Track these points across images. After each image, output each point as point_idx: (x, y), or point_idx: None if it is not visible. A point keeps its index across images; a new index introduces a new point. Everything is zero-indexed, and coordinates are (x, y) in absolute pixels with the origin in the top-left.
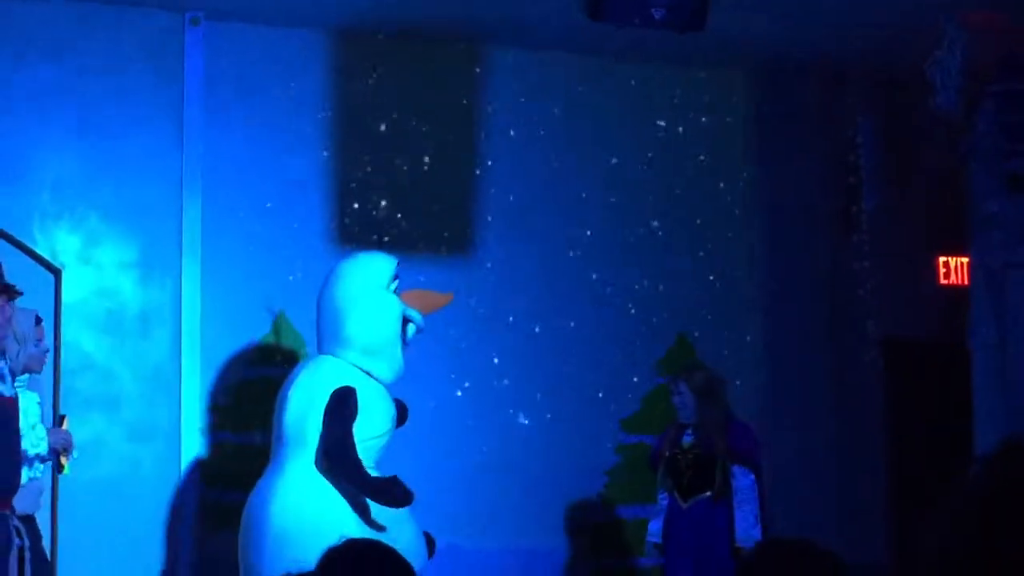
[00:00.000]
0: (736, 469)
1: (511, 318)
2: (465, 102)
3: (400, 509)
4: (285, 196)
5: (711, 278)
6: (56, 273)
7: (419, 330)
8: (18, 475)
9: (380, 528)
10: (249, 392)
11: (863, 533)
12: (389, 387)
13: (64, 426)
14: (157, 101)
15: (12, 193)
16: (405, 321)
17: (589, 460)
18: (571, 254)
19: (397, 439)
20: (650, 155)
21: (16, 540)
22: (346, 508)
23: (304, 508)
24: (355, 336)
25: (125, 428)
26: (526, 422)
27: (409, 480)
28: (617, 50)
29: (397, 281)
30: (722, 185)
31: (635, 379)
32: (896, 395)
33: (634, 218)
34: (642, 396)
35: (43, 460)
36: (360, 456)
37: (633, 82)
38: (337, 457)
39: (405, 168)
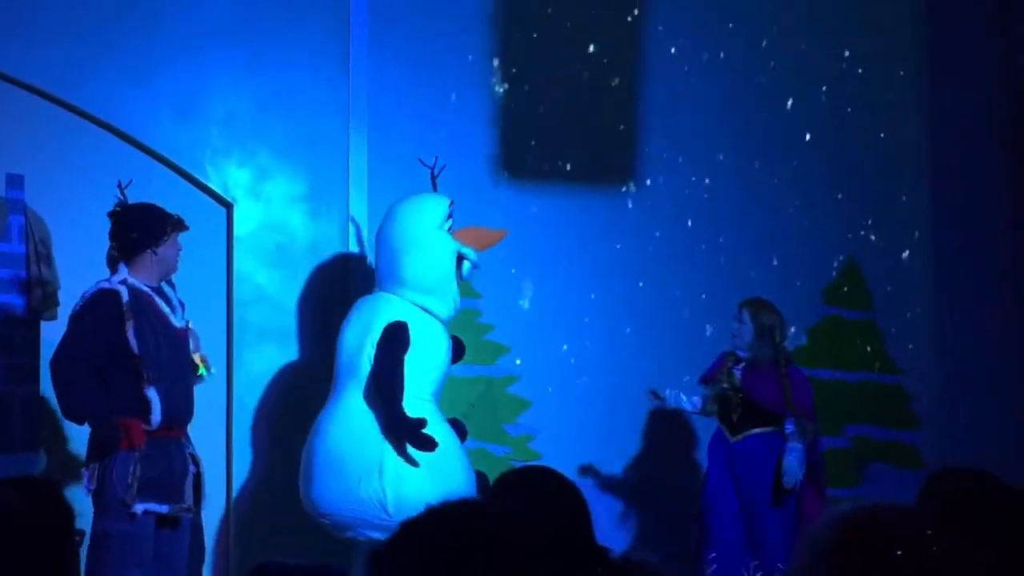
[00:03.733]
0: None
1: (673, 248)
2: (633, 26)
3: (454, 443)
4: (450, 127)
5: (879, 203)
6: (227, 207)
7: (474, 267)
8: (192, 403)
9: (413, 463)
10: None
11: None
12: (446, 322)
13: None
14: (324, 34)
15: (184, 128)
16: (460, 259)
17: None
18: (735, 185)
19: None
20: (819, 78)
21: (191, 467)
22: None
23: (346, 438)
24: (411, 275)
25: (296, 359)
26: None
27: (578, 404)
28: None
29: (451, 220)
30: (893, 111)
31: (800, 310)
32: None
33: (801, 146)
34: (808, 328)
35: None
36: (417, 388)
37: (803, 2)
38: (382, 386)
39: (571, 96)
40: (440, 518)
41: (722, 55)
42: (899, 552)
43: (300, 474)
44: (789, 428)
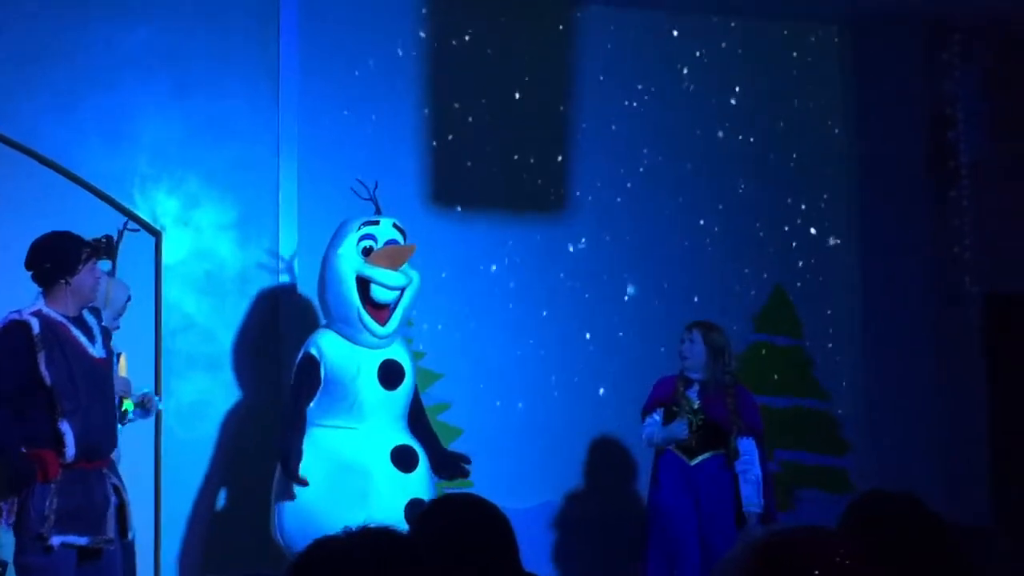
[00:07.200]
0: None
1: (604, 277)
2: (559, 60)
3: (358, 480)
4: (380, 155)
5: (807, 232)
6: (156, 235)
7: (389, 289)
8: (114, 433)
9: (289, 495)
10: None
11: (965, 494)
12: (385, 344)
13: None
14: (253, 62)
15: (112, 156)
16: (366, 282)
17: None
18: (664, 213)
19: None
20: (746, 110)
21: (114, 498)
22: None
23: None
24: (323, 303)
25: (225, 387)
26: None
27: (509, 431)
28: (713, 5)
29: (370, 241)
30: (818, 140)
31: (730, 337)
32: (998, 351)
33: (729, 174)
34: (738, 354)
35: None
36: (338, 416)
37: (729, 37)
38: (284, 417)
39: (500, 127)
40: (354, 544)
41: (652, 88)
42: (817, 574)
43: None
44: (746, 448)
